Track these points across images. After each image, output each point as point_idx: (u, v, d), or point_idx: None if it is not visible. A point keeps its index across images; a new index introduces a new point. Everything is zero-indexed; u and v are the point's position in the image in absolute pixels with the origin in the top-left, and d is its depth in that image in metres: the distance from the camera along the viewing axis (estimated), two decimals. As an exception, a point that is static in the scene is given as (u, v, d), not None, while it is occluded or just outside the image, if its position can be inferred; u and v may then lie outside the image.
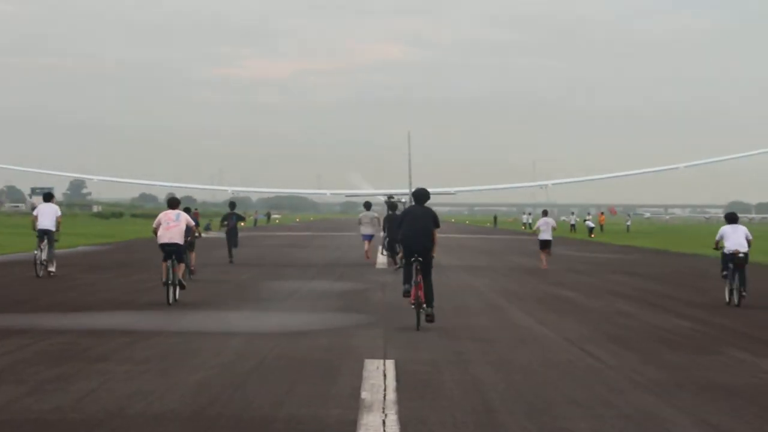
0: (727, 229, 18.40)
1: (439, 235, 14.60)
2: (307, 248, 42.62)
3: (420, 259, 14.17)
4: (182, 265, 17.74)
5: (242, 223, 32.95)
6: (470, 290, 20.89)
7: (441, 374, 10.06)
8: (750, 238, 18.15)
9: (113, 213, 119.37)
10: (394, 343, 12.29)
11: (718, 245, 18.55)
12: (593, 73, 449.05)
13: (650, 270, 30.18)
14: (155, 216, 19.05)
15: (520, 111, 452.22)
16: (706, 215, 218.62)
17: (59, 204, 25.90)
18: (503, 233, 77.50)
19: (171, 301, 17.10)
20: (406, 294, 14.27)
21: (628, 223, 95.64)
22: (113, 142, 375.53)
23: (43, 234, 22.44)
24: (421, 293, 14.09)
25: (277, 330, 13.60)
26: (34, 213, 23.31)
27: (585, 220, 78.00)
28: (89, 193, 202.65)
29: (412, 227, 14.27)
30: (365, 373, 9.96)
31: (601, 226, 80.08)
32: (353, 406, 8.40)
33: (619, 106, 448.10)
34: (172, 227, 17.73)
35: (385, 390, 9.09)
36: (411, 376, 9.89)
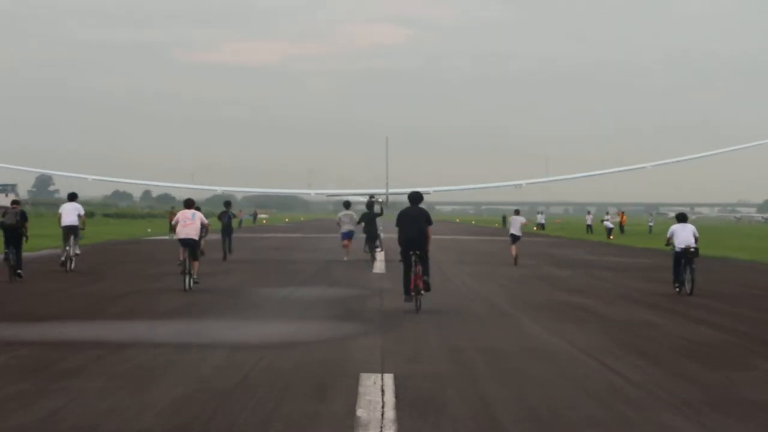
0: (677, 228, 22.56)
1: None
2: (297, 251, 42.62)
3: (417, 252, 17.62)
4: (196, 263, 22.06)
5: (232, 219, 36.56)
6: (477, 298, 20.89)
7: (445, 390, 10.05)
8: (697, 235, 22.30)
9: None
10: (393, 356, 12.29)
11: (669, 242, 22.58)
12: (606, 54, 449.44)
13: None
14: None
15: (528, 98, 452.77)
16: (737, 215, 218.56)
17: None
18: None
19: (187, 287, 21.32)
20: (407, 287, 17.67)
21: (651, 223, 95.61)
22: (80, 133, 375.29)
23: (69, 231, 27.06)
24: (419, 283, 17.55)
25: (264, 341, 13.59)
26: (59, 211, 27.76)
27: (603, 221, 77.86)
28: (57, 191, 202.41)
29: (409, 227, 17.74)
30: (361, 389, 9.95)
31: (621, 227, 79.99)
32: (348, 425, 8.39)
33: (640, 90, 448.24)
34: (188, 225, 22.23)
35: (383, 407, 9.08)
36: (412, 391, 9.89)
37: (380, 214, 36.71)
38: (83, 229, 27.77)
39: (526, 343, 13.84)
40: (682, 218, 23.03)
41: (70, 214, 27.34)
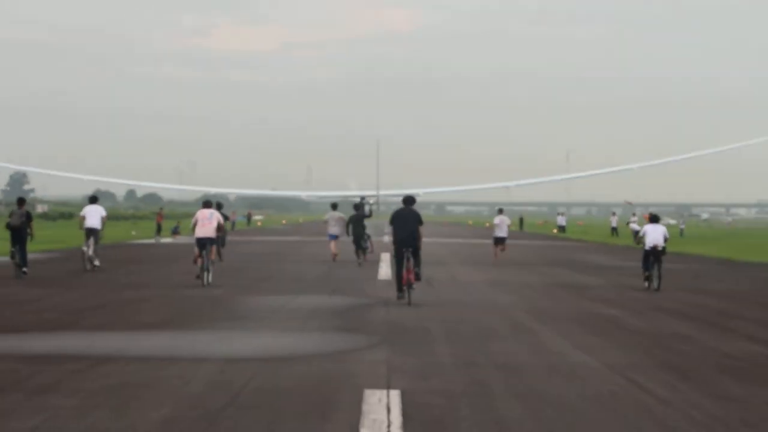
0: (648, 227, 26.88)
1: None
2: (294, 256, 42.64)
3: (411, 250, 20.98)
4: (214, 248, 26.04)
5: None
6: (493, 309, 20.87)
7: (457, 409, 10.02)
8: (667, 236, 26.72)
9: (61, 213, 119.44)
10: (401, 371, 12.25)
11: (640, 241, 26.94)
12: (634, 43, 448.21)
13: (711, 283, 30.12)
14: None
15: (547, 90, 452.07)
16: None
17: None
18: (532, 238, 77.50)
19: (206, 283, 25.07)
20: (400, 287, 21.04)
21: (682, 226, 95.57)
22: (59, 127, 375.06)
23: (90, 232, 30.63)
24: (411, 277, 20.81)
25: (258, 355, 13.56)
26: (82, 214, 31.41)
27: (629, 222, 77.55)
28: (32, 190, 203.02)
29: (402, 227, 21.17)
30: (365, 407, 9.92)
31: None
32: (350, 448, 8.34)
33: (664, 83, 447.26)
34: (206, 224, 25.75)
35: (389, 427, 9.06)
36: (420, 410, 9.85)
37: (369, 215, 39.58)
38: (103, 229, 31.27)
39: (547, 357, 13.80)
40: (654, 219, 27.65)
41: (92, 216, 30.82)
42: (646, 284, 26.50)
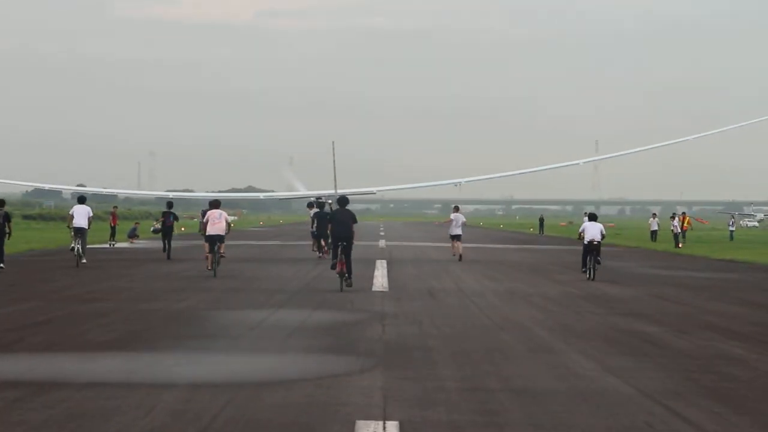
0: (587, 224, 35.60)
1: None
2: (274, 263, 42.61)
3: (344, 244, 28.71)
4: (222, 245, 34.00)
5: (178, 222, 47.83)
6: (509, 325, 20.90)
7: (466, 443, 10.04)
8: (604, 233, 35.29)
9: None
10: (399, 399, 12.28)
11: (580, 236, 35.29)
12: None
13: (763, 296, 30.14)
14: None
15: (573, 61, 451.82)
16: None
17: None
18: (553, 243, 77.57)
19: (216, 274, 32.74)
20: (334, 267, 28.98)
21: (732, 228, 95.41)
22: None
23: (78, 231, 37.93)
24: (343, 267, 28.50)
25: (231, 379, 13.59)
26: (70, 213, 39.04)
27: (671, 216, 76.89)
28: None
29: (340, 223, 29.02)
30: (357, 442, 9.95)
31: (684, 233, 79.55)
32: (340, 488, 8.38)
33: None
34: (216, 224, 33.88)
35: (386, 466, 9.08)
36: (423, 445, 9.87)
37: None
38: (89, 228, 38.30)
39: (572, 382, 13.83)
40: (592, 217, 36.76)
41: (80, 216, 38.16)
42: (585, 274, 34.50)
